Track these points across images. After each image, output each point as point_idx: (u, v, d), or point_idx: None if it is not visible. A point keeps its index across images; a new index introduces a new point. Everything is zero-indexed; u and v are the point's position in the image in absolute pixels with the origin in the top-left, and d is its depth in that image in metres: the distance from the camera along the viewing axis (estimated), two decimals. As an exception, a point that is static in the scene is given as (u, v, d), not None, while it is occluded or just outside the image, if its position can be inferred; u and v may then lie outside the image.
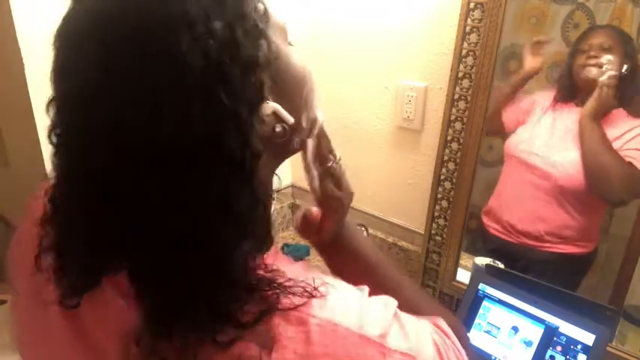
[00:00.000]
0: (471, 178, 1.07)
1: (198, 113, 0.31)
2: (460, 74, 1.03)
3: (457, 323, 0.54)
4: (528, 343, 0.91)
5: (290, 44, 0.43)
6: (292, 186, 1.57)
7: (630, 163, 0.92)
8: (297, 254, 1.39)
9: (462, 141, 1.06)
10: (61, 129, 0.35)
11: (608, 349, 0.89)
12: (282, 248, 1.41)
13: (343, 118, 1.33)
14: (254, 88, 0.34)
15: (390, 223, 1.32)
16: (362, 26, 1.23)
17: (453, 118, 1.07)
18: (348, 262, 0.58)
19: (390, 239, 1.32)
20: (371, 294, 0.42)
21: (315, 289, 0.36)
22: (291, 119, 0.39)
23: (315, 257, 1.42)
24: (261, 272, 0.36)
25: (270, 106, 0.37)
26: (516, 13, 1.02)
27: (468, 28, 1.00)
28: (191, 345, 0.33)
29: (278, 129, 0.38)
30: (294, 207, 1.57)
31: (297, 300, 0.35)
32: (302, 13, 1.34)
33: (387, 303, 0.40)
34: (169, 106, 0.31)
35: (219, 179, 0.32)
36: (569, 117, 1.03)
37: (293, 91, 0.42)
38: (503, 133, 1.11)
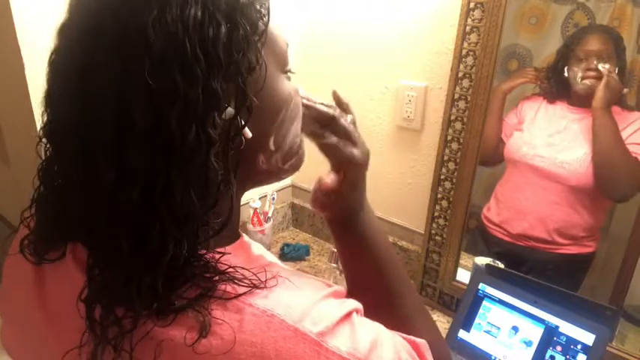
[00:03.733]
0: (470, 178, 1.07)
1: (148, 89, 0.33)
2: (460, 74, 1.03)
3: (446, 353, 0.53)
4: (528, 343, 0.91)
5: (287, 71, 0.44)
6: (292, 186, 1.57)
7: (636, 159, 0.92)
8: (296, 254, 1.39)
9: (462, 141, 1.06)
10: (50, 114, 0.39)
11: (608, 349, 0.89)
12: (282, 248, 1.41)
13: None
14: (218, 86, 0.34)
15: (390, 223, 1.32)
16: (362, 26, 1.23)
17: (453, 118, 1.07)
18: (357, 249, 0.55)
19: (390, 239, 1.31)
20: (369, 295, 0.42)
21: (264, 280, 0.36)
22: (248, 133, 0.39)
23: (314, 257, 1.42)
24: (207, 260, 0.36)
25: (229, 111, 0.37)
26: (516, 13, 1.02)
27: (468, 28, 1.00)
28: (126, 323, 0.34)
29: (232, 134, 0.38)
30: (293, 207, 1.57)
31: (240, 289, 0.35)
32: (302, 13, 1.34)
33: (344, 303, 0.39)
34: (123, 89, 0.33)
35: (162, 163, 0.34)
36: (564, 115, 1.03)
37: (264, 111, 0.41)
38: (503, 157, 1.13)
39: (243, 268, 0.37)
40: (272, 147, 0.44)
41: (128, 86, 0.33)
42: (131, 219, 0.34)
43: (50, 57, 0.38)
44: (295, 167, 0.49)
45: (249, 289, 0.36)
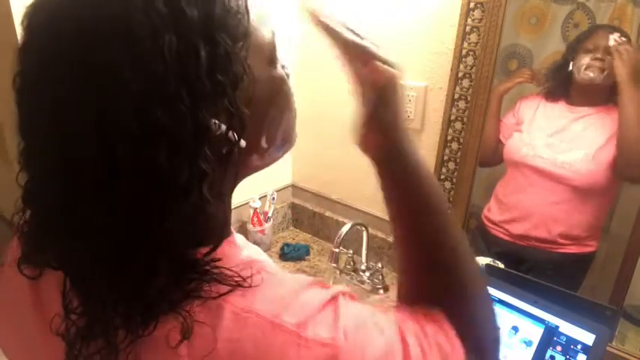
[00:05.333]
0: (470, 178, 1.07)
1: (131, 131, 0.31)
2: (460, 74, 1.03)
3: (493, 327, 0.48)
4: (528, 343, 0.91)
5: (275, 63, 0.42)
6: (292, 186, 1.57)
7: None
8: (296, 254, 1.39)
9: (462, 141, 1.06)
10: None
11: (608, 349, 0.89)
12: (282, 248, 1.41)
13: (343, 117, 1.33)
14: (206, 115, 0.33)
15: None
16: (362, 26, 1.23)
17: (453, 117, 1.07)
18: (400, 189, 0.49)
19: (390, 239, 1.31)
20: (411, 249, 0.44)
21: (246, 278, 0.36)
22: (242, 143, 0.37)
23: (314, 257, 1.42)
24: (191, 261, 0.36)
25: (221, 128, 0.35)
26: (516, 13, 1.02)
27: (468, 28, 1.00)
28: (109, 327, 0.34)
29: (224, 150, 0.36)
30: (293, 207, 1.57)
31: (222, 289, 0.35)
32: (303, 13, 1.34)
33: (329, 290, 0.38)
34: (104, 122, 0.31)
35: (153, 201, 0.33)
36: (564, 115, 1.03)
37: (254, 116, 0.39)
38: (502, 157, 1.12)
39: (224, 267, 0.36)
40: (265, 145, 0.43)
41: (108, 127, 0.31)
42: (121, 256, 0.34)
43: (14, 80, 0.35)
44: (289, 148, 0.48)
45: (230, 288, 0.35)
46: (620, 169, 0.97)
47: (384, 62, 0.46)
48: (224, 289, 0.35)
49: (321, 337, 0.34)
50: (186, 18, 0.32)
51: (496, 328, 0.49)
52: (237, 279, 0.36)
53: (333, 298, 0.37)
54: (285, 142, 0.46)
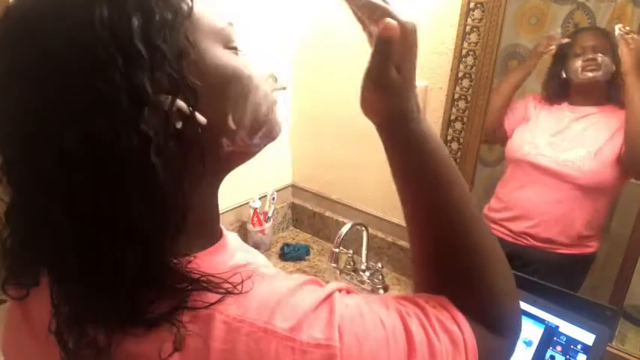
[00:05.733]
0: (470, 178, 1.07)
1: (72, 106, 0.32)
2: (460, 74, 1.03)
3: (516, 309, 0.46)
4: (528, 343, 0.91)
5: (232, 47, 0.41)
6: (292, 186, 1.57)
7: None
8: (296, 254, 1.39)
9: (462, 141, 1.06)
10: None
11: (608, 349, 0.89)
12: (282, 248, 1.41)
13: (343, 117, 1.33)
14: (144, 80, 0.33)
15: (390, 222, 1.32)
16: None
17: (453, 117, 1.07)
18: (407, 159, 0.47)
19: (390, 239, 1.32)
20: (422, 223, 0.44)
21: (236, 285, 0.35)
22: (202, 119, 0.37)
23: (314, 257, 1.42)
24: (179, 269, 0.35)
25: (168, 98, 0.34)
26: (516, 13, 1.02)
27: (468, 28, 1.00)
28: (100, 341, 0.34)
29: (178, 125, 0.35)
30: (293, 207, 1.58)
31: (212, 297, 0.34)
32: (304, 13, 1.34)
33: (324, 288, 0.38)
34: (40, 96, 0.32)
35: (100, 179, 0.33)
36: (565, 115, 1.03)
37: (212, 92, 0.38)
38: (504, 139, 1.11)
39: (214, 275, 0.36)
40: (233, 126, 0.41)
41: (52, 106, 0.32)
42: (82, 244, 0.33)
43: None
44: (268, 137, 0.45)
45: (221, 296, 0.35)
46: (627, 163, 0.96)
47: (396, 19, 0.42)
48: (214, 297, 0.34)
49: (316, 338, 0.33)
50: None
51: (517, 304, 0.47)
52: (226, 286, 0.35)
53: (328, 296, 0.36)
54: (258, 127, 0.43)
